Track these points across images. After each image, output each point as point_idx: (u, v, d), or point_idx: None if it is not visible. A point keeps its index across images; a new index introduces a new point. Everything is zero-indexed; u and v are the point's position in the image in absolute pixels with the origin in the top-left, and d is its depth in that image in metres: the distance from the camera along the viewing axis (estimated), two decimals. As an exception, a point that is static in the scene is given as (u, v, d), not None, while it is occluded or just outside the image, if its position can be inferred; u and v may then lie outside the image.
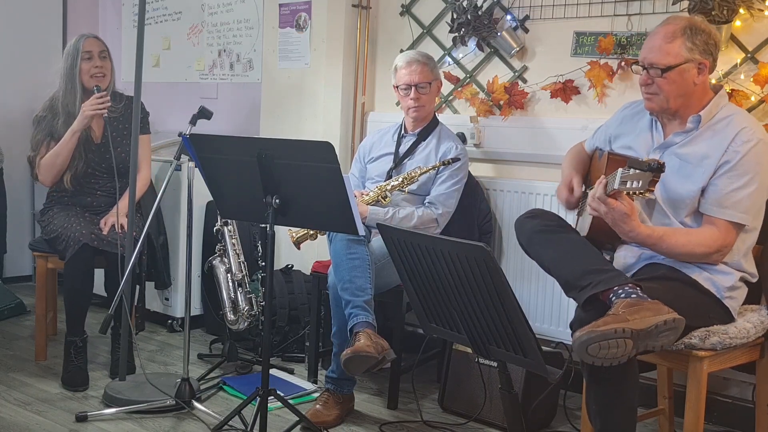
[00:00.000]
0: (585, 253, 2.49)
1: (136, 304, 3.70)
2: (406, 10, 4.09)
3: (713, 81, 3.09)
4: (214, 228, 3.59)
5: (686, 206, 2.56)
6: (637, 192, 2.32)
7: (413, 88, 3.45)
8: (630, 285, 2.35)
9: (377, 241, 3.25)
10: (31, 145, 3.72)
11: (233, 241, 3.58)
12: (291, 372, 3.70)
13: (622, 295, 2.31)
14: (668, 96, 2.57)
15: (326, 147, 2.56)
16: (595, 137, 2.93)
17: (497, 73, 3.79)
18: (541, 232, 2.58)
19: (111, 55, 3.73)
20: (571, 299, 2.50)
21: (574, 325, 2.36)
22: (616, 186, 2.37)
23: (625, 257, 2.66)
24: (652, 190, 2.32)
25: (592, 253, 2.51)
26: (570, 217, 2.91)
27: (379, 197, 3.39)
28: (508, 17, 3.71)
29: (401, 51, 3.94)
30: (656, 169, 2.28)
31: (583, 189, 2.86)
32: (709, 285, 2.54)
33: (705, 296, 2.53)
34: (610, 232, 2.58)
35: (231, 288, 3.55)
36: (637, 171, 2.30)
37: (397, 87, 3.52)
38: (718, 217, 2.51)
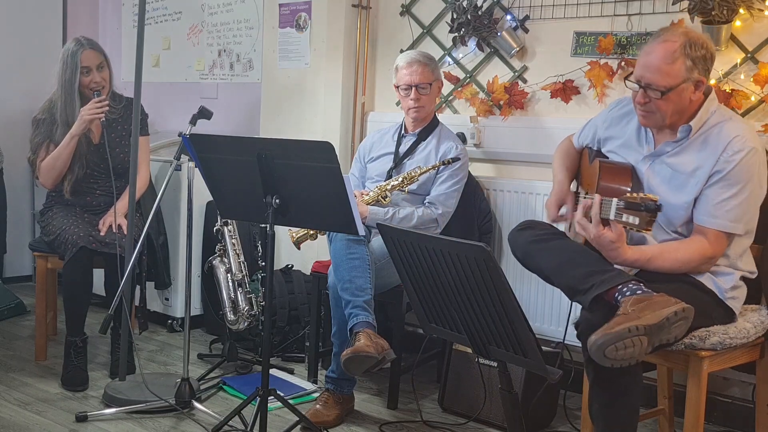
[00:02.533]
0: (584, 257, 2.49)
1: (137, 304, 3.70)
2: (406, 10, 4.09)
3: (712, 81, 3.09)
4: (214, 228, 3.59)
5: (680, 217, 2.55)
6: (634, 228, 2.32)
7: (413, 89, 3.45)
8: (633, 282, 2.35)
9: (377, 241, 3.25)
10: (31, 146, 3.73)
11: (233, 241, 3.58)
12: (291, 372, 3.70)
13: (628, 293, 2.32)
14: (665, 115, 2.53)
15: (326, 147, 2.56)
16: (583, 134, 2.90)
17: (497, 73, 3.79)
18: (536, 242, 2.57)
19: (109, 60, 3.72)
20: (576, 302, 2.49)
21: (581, 327, 2.36)
22: (611, 216, 2.35)
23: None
24: (649, 230, 2.31)
25: (591, 255, 2.50)
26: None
27: (379, 197, 3.39)
28: (508, 17, 3.71)
29: (401, 51, 3.94)
30: (653, 210, 2.26)
31: (577, 191, 2.86)
32: (711, 285, 2.54)
33: (707, 296, 2.53)
34: None
35: (231, 288, 3.55)
36: (634, 210, 2.29)
37: (397, 87, 3.52)
38: (709, 227, 2.50)
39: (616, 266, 2.64)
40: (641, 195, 2.32)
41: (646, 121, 2.59)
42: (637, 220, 2.29)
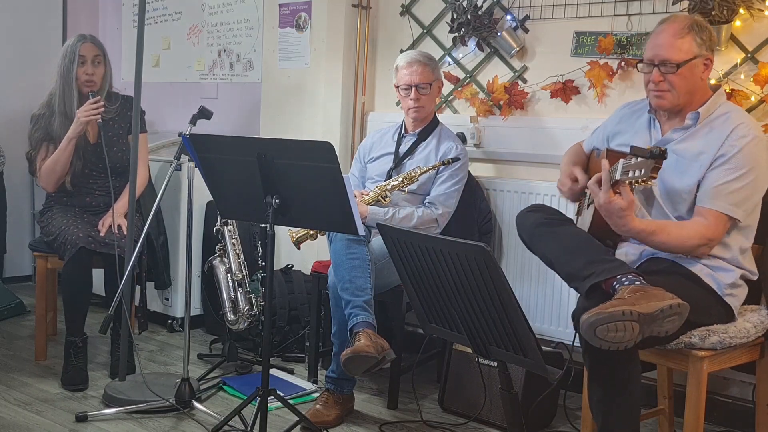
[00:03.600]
0: (587, 245, 2.51)
1: (136, 304, 3.70)
2: (406, 10, 4.09)
3: (713, 81, 3.09)
4: (214, 228, 3.59)
5: (684, 201, 2.58)
6: (640, 180, 2.32)
7: (413, 89, 3.45)
8: (633, 274, 2.37)
9: (377, 241, 3.25)
10: (30, 142, 3.73)
11: (233, 241, 3.58)
12: (291, 372, 3.70)
13: (626, 283, 2.34)
14: (680, 92, 2.59)
15: (326, 147, 2.56)
16: (593, 137, 2.94)
17: (497, 73, 3.79)
18: (542, 225, 2.60)
19: (107, 57, 3.71)
20: (573, 293, 2.51)
21: (577, 316, 2.36)
22: (618, 176, 2.37)
23: (626, 253, 2.66)
24: (655, 177, 2.31)
25: (594, 244, 2.52)
26: (571, 213, 2.91)
27: (379, 197, 3.39)
28: (508, 17, 3.71)
29: (401, 51, 3.94)
30: (658, 156, 2.27)
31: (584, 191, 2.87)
32: (710, 281, 2.55)
33: (706, 292, 2.54)
34: (612, 229, 2.58)
35: (231, 288, 3.55)
36: (640, 159, 2.30)
37: (397, 87, 3.52)
38: (709, 208, 2.52)
39: (617, 253, 2.66)
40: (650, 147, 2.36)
41: (660, 101, 2.64)
42: (642, 171, 2.29)
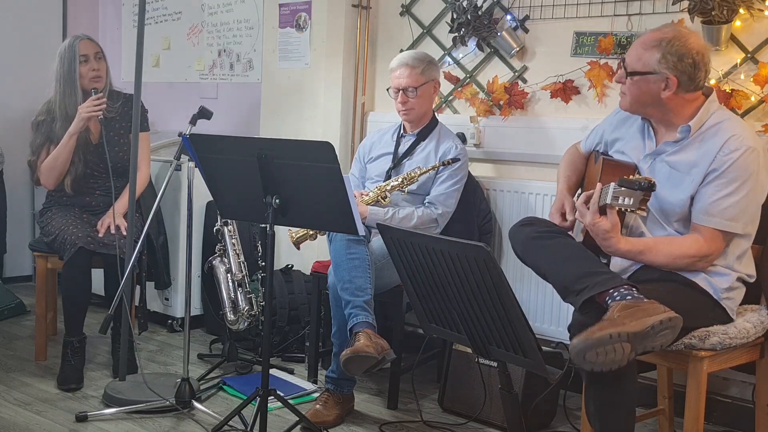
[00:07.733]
0: (580, 257, 2.49)
1: (136, 304, 3.70)
2: (406, 10, 4.09)
3: (712, 81, 3.09)
4: (214, 228, 3.59)
5: (676, 214, 2.56)
6: (629, 209, 2.34)
7: (401, 92, 3.45)
8: (626, 286, 2.34)
9: (377, 241, 3.25)
10: (31, 149, 3.72)
11: (233, 241, 3.58)
12: (291, 372, 3.70)
13: (618, 298, 2.31)
14: (630, 98, 2.58)
15: (326, 147, 2.56)
16: (590, 138, 2.92)
17: (497, 73, 3.79)
18: (535, 239, 2.57)
19: (105, 54, 3.73)
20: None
21: (572, 329, 2.36)
22: (608, 201, 2.36)
23: (622, 260, 2.65)
24: (644, 209, 2.32)
25: (588, 256, 2.50)
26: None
27: (379, 197, 3.39)
28: (508, 17, 3.71)
29: (401, 51, 3.94)
30: (646, 188, 2.28)
31: (579, 193, 2.86)
32: (706, 285, 2.53)
33: (703, 296, 2.53)
34: None
35: (231, 288, 3.55)
36: (628, 189, 2.30)
37: (388, 89, 3.53)
38: (705, 225, 2.50)
39: (612, 261, 2.65)
40: (638, 176, 2.35)
41: (621, 101, 2.65)
42: (631, 200, 2.31)
